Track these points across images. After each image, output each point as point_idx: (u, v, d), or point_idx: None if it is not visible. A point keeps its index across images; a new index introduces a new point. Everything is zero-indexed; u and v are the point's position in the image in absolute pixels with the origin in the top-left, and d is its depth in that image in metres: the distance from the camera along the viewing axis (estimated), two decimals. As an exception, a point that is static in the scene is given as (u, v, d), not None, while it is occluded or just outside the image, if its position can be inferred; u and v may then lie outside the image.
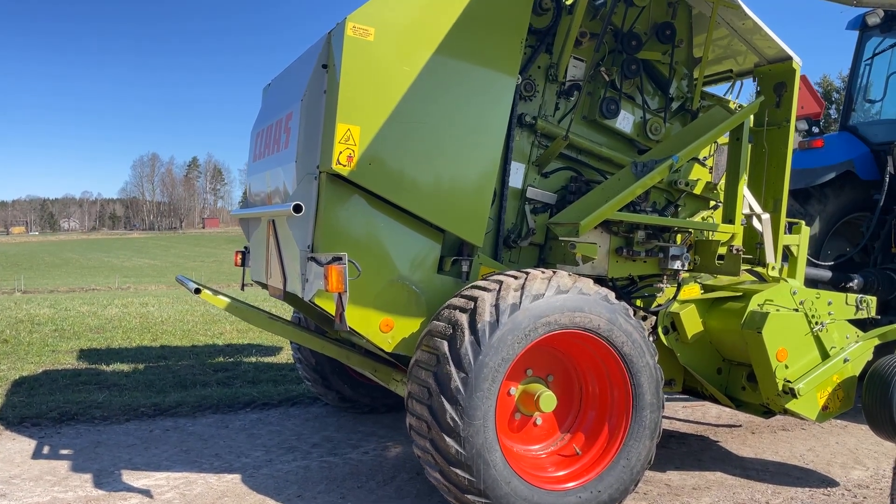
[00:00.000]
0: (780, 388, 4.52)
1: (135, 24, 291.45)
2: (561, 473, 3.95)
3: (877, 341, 4.90)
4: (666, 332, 4.89)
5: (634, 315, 4.76)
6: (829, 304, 4.84)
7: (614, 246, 4.70)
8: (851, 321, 4.95)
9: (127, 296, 20.41)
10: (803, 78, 7.85)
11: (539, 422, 4.13)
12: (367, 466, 4.85)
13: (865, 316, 5.02)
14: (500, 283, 3.86)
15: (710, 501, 4.42)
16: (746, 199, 4.99)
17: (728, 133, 4.91)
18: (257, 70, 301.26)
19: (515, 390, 4.07)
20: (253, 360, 8.69)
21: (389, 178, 3.96)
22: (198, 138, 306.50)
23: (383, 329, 4.08)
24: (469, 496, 3.64)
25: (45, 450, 5.13)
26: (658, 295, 4.95)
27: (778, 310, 4.65)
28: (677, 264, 4.75)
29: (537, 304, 3.75)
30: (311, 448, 5.25)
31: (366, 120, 3.86)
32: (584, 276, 4.61)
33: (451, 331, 3.73)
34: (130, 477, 4.60)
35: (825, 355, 4.69)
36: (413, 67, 3.96)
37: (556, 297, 3.80)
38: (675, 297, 4.88)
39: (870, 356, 4.89)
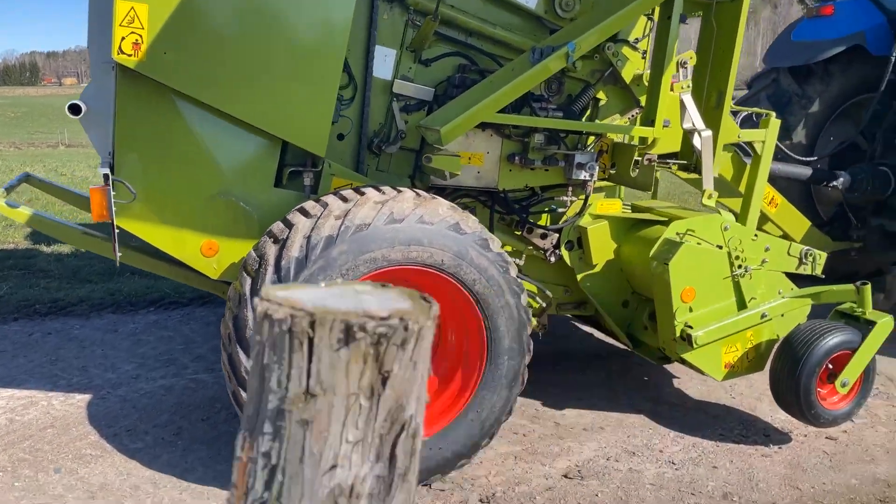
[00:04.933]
0: (678, 332, 3.85)
1: None
2: (398, 426, 3.43)
3: (809, 302, 4.11)
4: (570, 248, 4.20)
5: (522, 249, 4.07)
6: (767, 249, 4.06)
7: (506, 152, 3.92)
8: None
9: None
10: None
11: (387, 363, 3.57)
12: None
13: (809, 272, 4.24)
14: (326, 206, 3.19)
15: (595, 447, 3.90)
16: (687, 108, 4.06)
17: (659, 7, 3.93)
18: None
19: (356, 328, 3.49)
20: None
21: (194, 72, 3.22)
22: None
23: (206, 253, 3.49)
24: (274, 455, 3.16)
25: None
26: (563, 210, 4.21)
27: (699, 243, 3.89)
28: (584, 175, 3.96)
29: (360, 237, 3.08)
30: (190, 362, 4.84)
31: (156, -4, 3.07)
32: (469, 188, 3.91)
33: (257, 266, 3.12)
34: (-25, 394, 4.28)
35: (742, 306, 3.96)
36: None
37: (385, 228, 3.12)
38: (582, 211, 4.14)
39: (803, 318, 4.14)
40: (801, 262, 4.22)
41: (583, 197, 4.10)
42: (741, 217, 4.63)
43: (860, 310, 3.96)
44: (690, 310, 3.89)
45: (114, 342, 5.18)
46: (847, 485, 3.60)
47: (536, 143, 3.88)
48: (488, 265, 3.30)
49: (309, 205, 3.25)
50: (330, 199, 3.25)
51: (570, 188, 4.09)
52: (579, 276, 4.24)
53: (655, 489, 3.51)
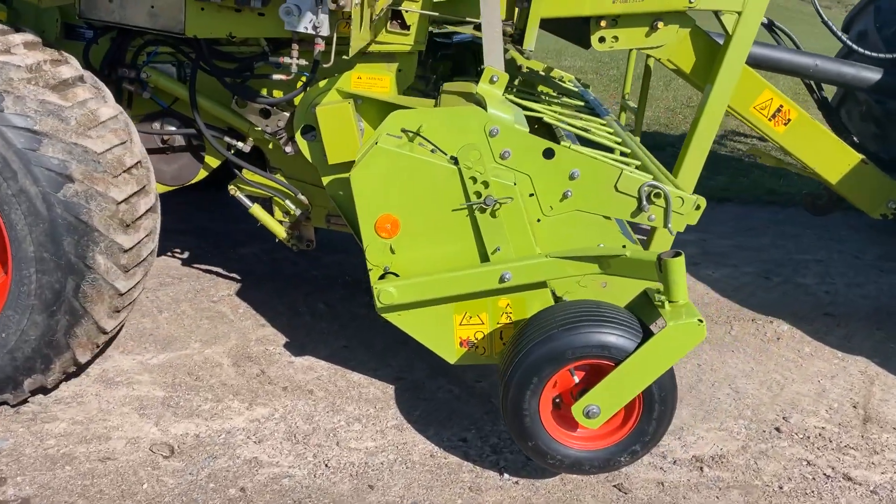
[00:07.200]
0: (374, 280, 2.50)
1: None
2: None
3: (596, 268, 2.35)
4: (313, 139, 2.95)
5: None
6: (573, 177, 2.45)
7: (192, -18, 2.71)
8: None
9: None
10: None
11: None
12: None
13: (657, 223, 2.52)
14: None
15: (246, 420, 2.76)
16: None
17: None
18: None
19: None
20: None
21: None
22: None
23: None
24: None
25: None
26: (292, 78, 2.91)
27: (433, 150, 2.45)
28: (303, 25, 2.64)
29: None
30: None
31: None
32: (147, 30, 2.83)
33: None
34: None
35: (485, 258, 2.45)
36: None
37: None
38: (309, 82, 2.85)
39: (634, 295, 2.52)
40: (639, 207, 2.52)
41: (313, 62, 2.78)
42: (690, 132, 3.04)
43: (662, 297, 2.26)
44: (392, 250, 2.50)
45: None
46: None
47: (225, -34, 2.63)
48: (-28, 128, 2.23)
49: None
50: None
51: (296, 45, 2.78)
52: (325, 179, 2.97)
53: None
